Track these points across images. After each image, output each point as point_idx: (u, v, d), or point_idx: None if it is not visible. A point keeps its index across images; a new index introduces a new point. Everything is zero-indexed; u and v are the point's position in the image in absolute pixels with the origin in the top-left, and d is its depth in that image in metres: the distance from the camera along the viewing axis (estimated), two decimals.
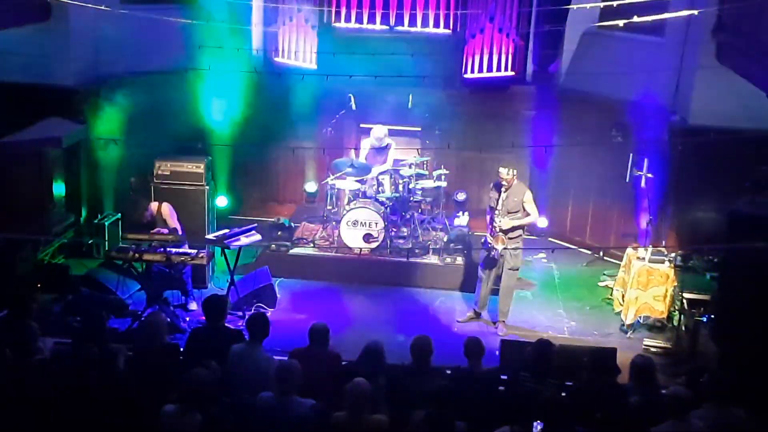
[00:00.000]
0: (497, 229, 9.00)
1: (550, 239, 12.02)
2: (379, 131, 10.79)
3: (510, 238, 9.02)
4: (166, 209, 9.35)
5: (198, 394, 5.35)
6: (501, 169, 8.96)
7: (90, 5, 9.24)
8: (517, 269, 9.31)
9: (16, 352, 6.05)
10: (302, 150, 10.98)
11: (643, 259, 9.28)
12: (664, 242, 10.00)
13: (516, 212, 9.01)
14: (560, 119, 11.49)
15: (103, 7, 9.58)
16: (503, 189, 8.98)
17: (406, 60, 10.91)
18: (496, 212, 8.99)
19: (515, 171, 9.01)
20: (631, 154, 10.47)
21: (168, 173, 9.87)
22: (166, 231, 9.18)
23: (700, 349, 8.34)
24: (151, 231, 9.21)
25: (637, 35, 10.27)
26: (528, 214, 9.09)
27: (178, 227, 9.29)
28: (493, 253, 9.11)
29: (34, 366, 6.06)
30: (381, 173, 10.81)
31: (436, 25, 11.47)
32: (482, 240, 9.52)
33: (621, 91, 10.68)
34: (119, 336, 8.12)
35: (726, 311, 7.73)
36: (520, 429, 5.40)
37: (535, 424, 5.71)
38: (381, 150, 10.92)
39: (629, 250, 9.69)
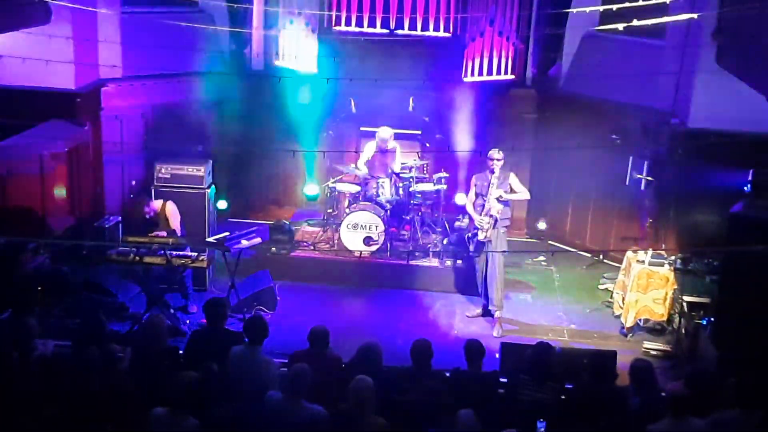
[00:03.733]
0: (490, 199, 9.15)
1: (550, 242, 12.03)
2: (384, 132, 10.79)
3: (501, 217, 9.24)
4: (170, 209, 9.34)
5: (188, 398, 5.33)
6: (492, 151, 9.21)
7: (90, 8, 9.26)
8: (504, 253, 9.39)
9: (18, 353, 6.07)
10: (302, 153, 10.99)
11: (643, 262, 9.29)
12: (663, 245, 10.00)
13: (505, 190, 9.28)
14: (560, 122, 11.49)
15: (104, 11, 9.61)
16: (494, 171, 9.15)
17: (406, 63, 10.95)
18: (492, 184, 9.16)
19: (503, 152, 9.24)
20: (630, 158, 10.50)
21: (168, 176, 9.89)
22: (164, 234, 9.17)
23: (700, 353, 8.34)
24: (150, 233, 9.21)
25: (637, 38, 10.29)
26: (517, 192, 9.35)
27: (179, 229, 9.29)
28: (486, 231, 9.21)
29: (36, 367, 6.07)
30: (381, 177, 10.80)
31: (436, 28, 11.48)
32: (472, 234, 9.56)
33: (621, 94, 10.70)
34: (120, 338, 8.11)
35: (726, 314, 7.73)
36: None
37: (539, 423, 5.73)
38: (386, 153, 10.91)
39: (629, 253, 9.69)
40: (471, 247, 9.49)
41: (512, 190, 9.31)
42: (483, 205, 9.25)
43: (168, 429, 5.29)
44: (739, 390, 5.65)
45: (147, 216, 9.29)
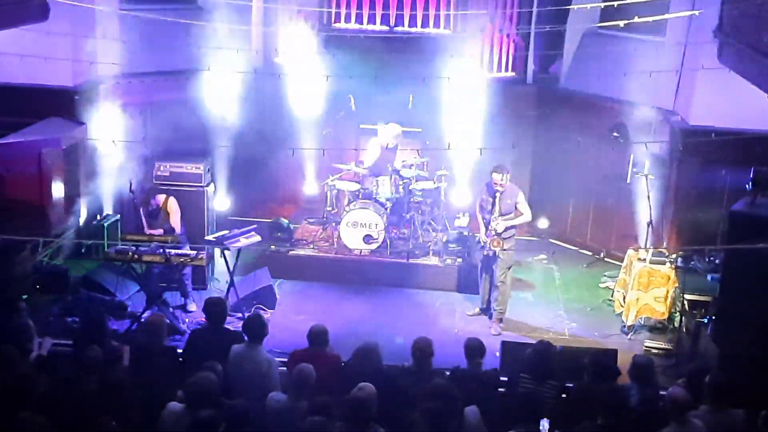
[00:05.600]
0: (493, 233, 9.07)
1: (550, 240, 12.01)
2: (394, 129, 10.74)
3: (504, 238, 9.14)
4: (172, 204, 9.32)
5: (204, 397, 5.34)
6: (494, 175, 9.05)
7: (89, 5, 9.22)
8: (511, 267, 9.38)
9: (15, 352, 6.05)
10: (302, 151, 10.95)
11: (644, 260, 9.26)
12: (664, 243, 9.98)
13: (509, 213, 9.17)
14: (561, 120, 11.47)
15: (102, 8, 9.56)
16: (497, 193, 9.02)
17: (406, 60, 10.90)
18: (493, 217, 9.06)
19: (508, 175, 9.09)
20: (631, 155, 10.47)
21: (168, 174, 9.84)
22: (161, 232, 9.14)
23: (701, 351, 8.32)
24: (149, 231, 9.18)
25: (638, 35, 10.26)
26: (521, 214, 9.23)
27: (179, 225, 9.27)
28: (488, 252, 9.19)
29: (33, 366, 6.06)
30: (381, 175, 10.76)
31: (437, 25, 11.45)
32: (476, 240, 9.55)
33: (621, 91, 10.65)
34: (119, 337, 8.09)
35: (727, 313, 7.69)
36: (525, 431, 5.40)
37: (542, 422, 5.71)
38: (390, 150, 10.86)
39: (630, 252, 9.67)
40: (477, 247, 9.43)
41: (516, 210, 9.21)
42: (488, 221, 9.19)
43: (181, 423, 5.29)
44: (740, 389, 5.63)
45: (150, 208, 9.25)
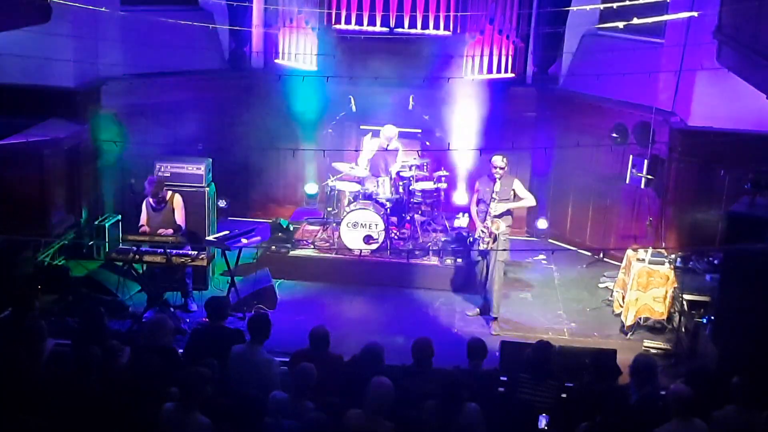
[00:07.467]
0: (492, 215, 9.10)
1: (550, 241, 12.03)
2: (390, 131, 10.77)
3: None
4: (179, 201, 9.35)
5: (197, 393, 5.36)
6: (495, 158, 9.13)
7: (90, 6, 9.24)
8: (504, 261, 9.40)
9: (21, 352, 6.07)
10: (302, 151, 10.97)
11: (643, 260, 9.28)
12: (663, 243, 10.00)
13: (507, 200, 9.22)
14: (560, 121, 11.49)
15: (103, 9, 9.58)
16: (497, 178, 9.10)
17: (406, 61, 10.92)
18: (493, 199, 9.11)
19: (507, 159, 9.16)
20: (630, 156, 10.50)
21: (168, 174, 9.86)
22: (170, 231, 9.16)
23: (700, 351, 8.34)
24: (144, 227, 9.20)
25: (637, 37, 10.28)
26: (521, 199, 9.29)
27: (182, 222, 9.30)
28: (484, 240, 9.20)
29: (42, 365, 6.08)
30: (381, 176, 10.77)
31: (436, 26, 11.47)
32: (472, 238, 9.57)
33: (621, 92, 10.69)
34: (120, 337, 8.10)
35: (726, 313, 7.72)
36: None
37: (540, 417, 5.73)
38: (389, 152, 10.88)
39: (629, 252, 9.69)
40: (474, 247, 9.47)
41: (516, 196, 9.26)
42: (485, 212, 9.23)
43: (178, 423, 5.31)
44: (742, 389, 5.65)
45: (158, 196, 9.24)
